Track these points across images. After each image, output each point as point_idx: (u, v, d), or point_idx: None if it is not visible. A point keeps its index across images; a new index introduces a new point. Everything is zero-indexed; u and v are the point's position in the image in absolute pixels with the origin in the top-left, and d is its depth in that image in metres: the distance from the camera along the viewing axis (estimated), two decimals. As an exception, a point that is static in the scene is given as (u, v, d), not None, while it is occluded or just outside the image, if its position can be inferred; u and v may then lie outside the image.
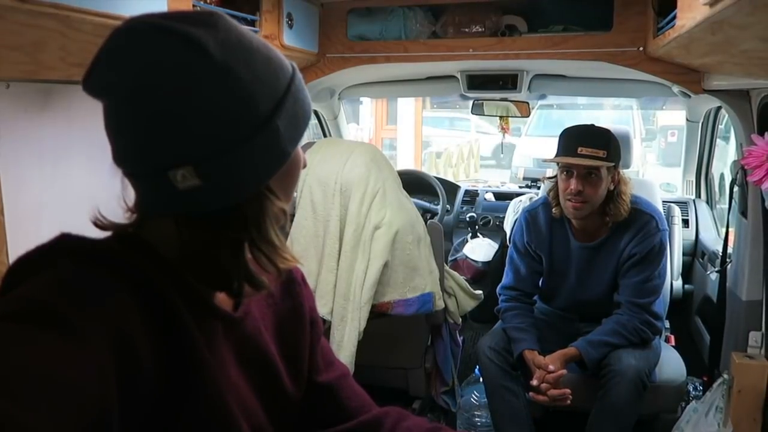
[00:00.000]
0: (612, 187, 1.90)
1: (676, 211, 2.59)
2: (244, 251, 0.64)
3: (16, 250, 0.60)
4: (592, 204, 1.88)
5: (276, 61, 0.63)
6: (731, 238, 2.11)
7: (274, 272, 0.65)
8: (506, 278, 2.13)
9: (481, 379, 2.07)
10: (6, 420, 0.42)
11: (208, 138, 0.57)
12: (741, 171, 1.92)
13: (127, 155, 0.60)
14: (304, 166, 0.70)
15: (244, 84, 0.59)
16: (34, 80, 1.23)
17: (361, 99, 7.34)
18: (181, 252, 0.63)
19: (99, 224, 0.65)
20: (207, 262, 0.63)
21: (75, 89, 1.35)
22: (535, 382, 1.82)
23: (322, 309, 1.88)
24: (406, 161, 9.16)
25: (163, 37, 0.57)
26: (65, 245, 0.61)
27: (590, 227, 1.98)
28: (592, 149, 1.82)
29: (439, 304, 2.01)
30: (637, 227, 1.93)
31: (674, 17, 1.39)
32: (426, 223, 2.06)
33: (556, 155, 1.90)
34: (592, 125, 1.96)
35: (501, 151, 5.02)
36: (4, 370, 0.45)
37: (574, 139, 1.86)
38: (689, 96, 2.07)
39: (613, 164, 1.87)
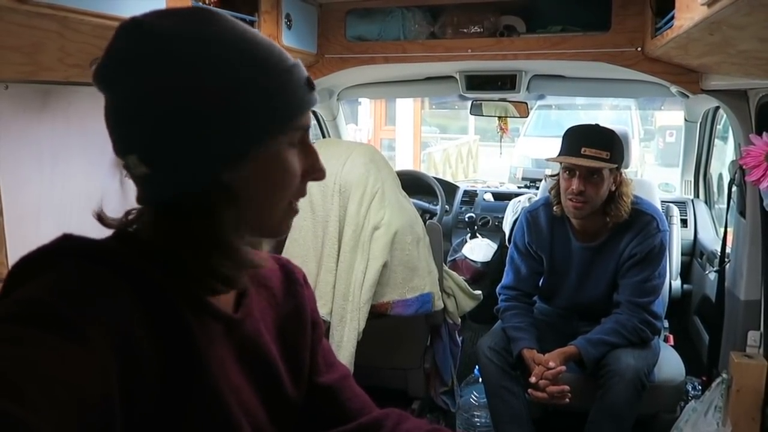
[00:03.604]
0: (613, 188, 1.90)
1: (675, 211, 2.60)
2: (203, 247, 0.63)
3: (16, 250, 0.60)
4: (593, 204, 1.88)
5: (248, 53, 0.62)
6: (729, 237, 2.12)
7: (233, 275, 0.65)
8: (506, 278, 2.13)
9: (480, 380, 2.07)
10: (9, 420, 0.42)
11: (151, 126, 0.59)
12: (739, 171, 1.92)
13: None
14: (318, 178, 0.69)
15: (192, 75, 0.59)
16: (32, 81, 1.23)
17: (360, 100, 7.34)
18: (154, 245, 0.64)
19: (105, 222, 0.66)
20: (173, 256, 0.64)
21: (74, 90, 1.36)
22: (533, 379, 1.82)
23: (322, 309, 1.88)
24: (404, 162, 9.17)
25: (122, 28, 0.61)
26: (67, 246, 0.61)
27: (591, 228, 1.98)
28: (595, 150, 1.83)
29: (438, 305, 2.01)
30: (638, 228, 1.94)
31: (672, 17, 1.40)
32: (425, 223, 2.06)
33: (560, 154, 1.90)
34: (597, 125, 1.96)
35: (500, 152, 5.04)
36: (6, 371, 0.45)
37: (578, 139, 1.87)
38: (687, 96, 2.07)
39: (616, 165, 1.88)
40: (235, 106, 0.60)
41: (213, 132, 0.60)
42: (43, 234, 0.61)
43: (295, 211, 0.69)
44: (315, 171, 0.68)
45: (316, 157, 0.69)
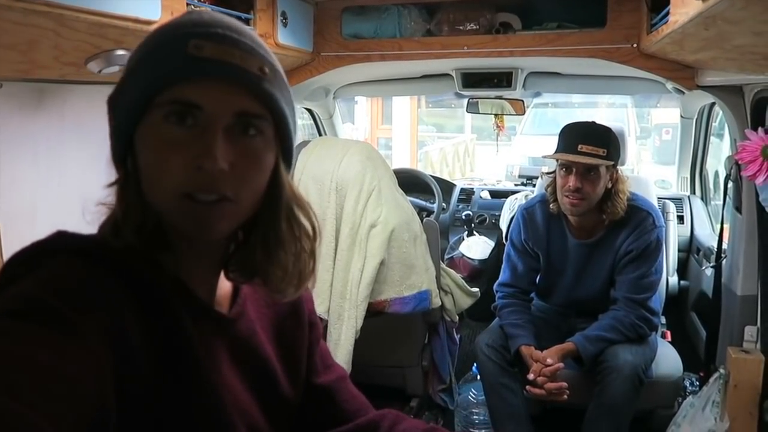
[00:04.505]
0: (610, 185, 1.91)
1: (671, 207, 2.60)
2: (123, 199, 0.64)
3: (11, 248, 0.60)
4: (590, 201, 1.89)
5: (144, 41, 0.65)
6: (726, 233, 2.12)
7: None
8: (503, 275, 2.14)
9: (478, 377, 2.07)
10: (6, 415, 0.42)
11: None
12: (735, 166, 1.93)
13: None
14: (205, 166, 0.59)
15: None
16: (27, 79, 1.23)
17: (356, 99, 7.34)
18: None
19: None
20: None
21: (69, 88, 1.35)
22: (531, 376, 1.83)
23: (319, 308, 1.88)
24: (401, 161, 9.16)
25: None
26: (61, 242, 0.61)
27: (587, 224, 1.98)
28: (592, 147, 1.83)
29: (436, 302, 2.01)
30: (634, 224, 1.94)
31: (667, 13, 1.40)
32: (422, 221, 2.06)
33: (556, 151, 1.90)
34: (593, 123, 1.97)
35: (497, 150, 5.04)
36: (2, 367, 0.46)
37: (575, 136, 1.87)
38: (683, 92, 2.08)
39: (613, 163, 1.88)
40: (121, 87, 0.63)
41: (114, 112, 0.64)
42: (39, 232, 0.62)
43: (202, 203, 0.60)
44: (201, 156, 0.59)
45: (209, 142, 0.59)
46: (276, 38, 1.81)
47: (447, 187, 3.21)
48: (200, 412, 0.63)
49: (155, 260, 0.63)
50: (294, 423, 0.80)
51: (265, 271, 0.69)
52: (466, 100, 2.89)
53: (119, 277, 0.59)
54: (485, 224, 3.05)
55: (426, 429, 0.84)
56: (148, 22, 1.13)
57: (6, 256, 0.61)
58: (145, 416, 0.57)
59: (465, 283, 2.24)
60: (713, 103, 2.42)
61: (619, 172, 1.96)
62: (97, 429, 0.50)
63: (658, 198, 2.52)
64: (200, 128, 0.60)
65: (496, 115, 2.96)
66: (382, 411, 0.87)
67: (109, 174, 0.65)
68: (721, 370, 1.86)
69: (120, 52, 1.18)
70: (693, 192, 2.97)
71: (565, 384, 1.81)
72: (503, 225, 2.85)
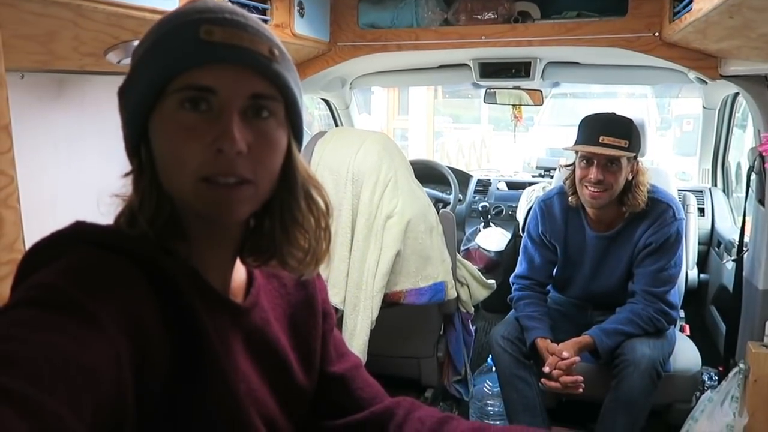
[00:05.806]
0: (630, 177, 1.89)
1: (692, 199, 2.57)
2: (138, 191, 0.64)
3: (33, 238, 0.61)
4: (611, 193, 1.87)
5: (155, 26, 0.66)
6: (748, 226, 2.08)
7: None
8: (520, 267, 2.12)
9: (493, 369, 2.07)
10: (26, 403, 0.43)
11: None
12: (759, 158, 1.89)
13: None
14: (223, 148, 0.59)
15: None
16: (47, 70, 1.24)
17: (373, 89, 7.32)
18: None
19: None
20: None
21: (88, 79, 1.37)
22: (547, 369, 1.82)
23: (335, 298, 1.89)
24: (418, 152, 9.13)
25: None
26: (80, 232, 0.62)
27: (606, 217, 1.96)
28: (614, 138, 1.81)
29: (452, 294, 2.01)
30: (654, 216, 1.92)
31: (691, 1, 1.37)
32: (438, 212, 2.05)
33: (577, 143, 1.88)
34: (614, 113, 1.94)
35: (514, 141, 5.01)
36: (23, 354, 0.46)
37: (596, 127, 1.85)
38: (705, 82, 2.03)
39: (634, 154, 1.85)
40: (131, 77, 0.64)
41: (125, 103, 0.64)
42: (60, 221, 0.62)
43: (222, 186, 0.60)
44: (219, 139, 0.60)
45: (226, 125, 0.60)
46: (293, 28, 1.80)
47: (463, 178, 3.20)
48: (215, 401, 0.64)
49: (170, 250, 0.64)
50: (309, 412, 0.81)
51: (284, 253, 0.70)
52: (483, 91, 2.87)
53: (136, 267, 0.59)
54: (502, 216, 3.03)
55: (441, 417, 0.84)
56: (165, 13, 1.13)
57: (28, 245, 0.62)
58: (161, 405, 0.58)
59: (481, 275, 2.23)
60: (737, 94, 2.37)
61: (640, 163, 1.93)
62: (116, 417, 0.51)
63: (679, 190, 2.48)
64: (215, 112, 0.61)
65: (513, 105, 2.94)
66: (397, 398, 0.87)
67: (128, 164, 0.65)
68: (741, 365, 1.84)
69: (137, 42, 1.19)
70: (714, 184, 2.92)
71: (580, 377, 1.80)
72: (520, 216, 2.83)
